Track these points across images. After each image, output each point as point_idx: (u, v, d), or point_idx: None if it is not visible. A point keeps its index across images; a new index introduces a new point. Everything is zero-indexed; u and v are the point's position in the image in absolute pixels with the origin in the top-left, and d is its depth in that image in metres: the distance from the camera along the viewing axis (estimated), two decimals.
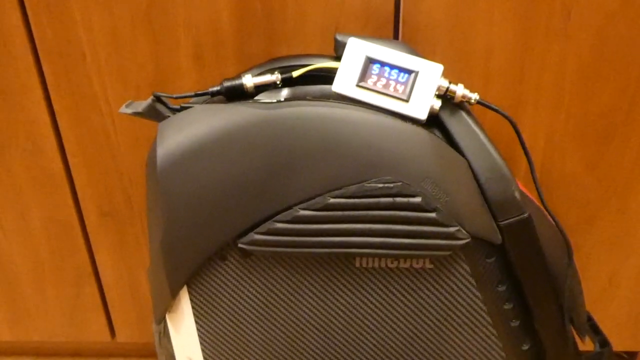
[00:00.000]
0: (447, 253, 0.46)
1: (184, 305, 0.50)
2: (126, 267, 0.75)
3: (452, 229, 0.45)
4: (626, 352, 0.85)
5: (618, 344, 0.79)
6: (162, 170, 0.47)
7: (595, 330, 0.56)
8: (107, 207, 0.72)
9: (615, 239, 0.71)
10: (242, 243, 0.47)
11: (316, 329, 0.50)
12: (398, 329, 0.50)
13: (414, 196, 0.45)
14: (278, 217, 0.46)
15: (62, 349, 0.88)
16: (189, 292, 0.50)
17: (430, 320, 0.50)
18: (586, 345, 0.65)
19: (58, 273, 0.76)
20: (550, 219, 0.52)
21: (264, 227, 0.46)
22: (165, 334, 0.56)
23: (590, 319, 0.58)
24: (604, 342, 0.55)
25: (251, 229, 0.47)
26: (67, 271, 0.76)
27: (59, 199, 0.72)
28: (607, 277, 0.74)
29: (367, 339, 0.51)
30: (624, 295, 0.75)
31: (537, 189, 0.49)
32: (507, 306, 0.50)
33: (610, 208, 0.69)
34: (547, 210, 0.50)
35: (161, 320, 0.52)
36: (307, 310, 0.50)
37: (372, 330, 0.50)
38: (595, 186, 0.68)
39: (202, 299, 0.50)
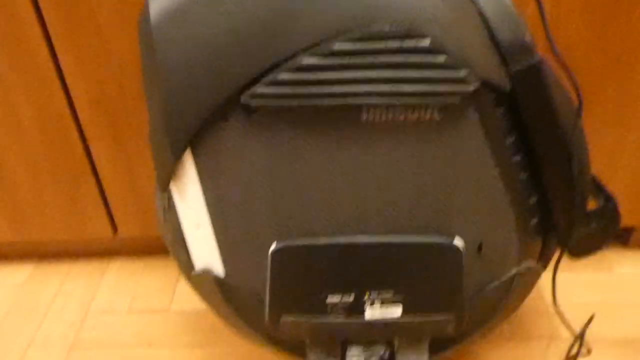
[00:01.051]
0: (457, 99, 0.45)
1: (188, 169, 0.49)
2: (123, 158, 0.74)
3: (462, 73, 0.44)
4: (623, 229, 0.86)
5: None
6: (156, 27, 0.44)
7: (599, 188, 0.57)
8: (98, 95, 0.69)
9: (617, 113, 0.70)
10: (245, 97, 0.45)
11: (323, 186, 0.50)
12: (406, 184, 0.50)
13: (422, 37, 0.43)
14: (281, 67, 0.44)
15: (64, 249, 0.88)
16: (193, 155, 0.49)
17: (438, 174, 0.49)
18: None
19: (54, 169, 0.75)
20: (558, 76, 0.50)
21: (267, 79, 0.44)
22: (170, 207, 0.56)
23: (594, 178, 0.58)
24: (608, 198, 0.55)
25: (253, 82, 0.45)
26: (62, 166, 0.75)
27: (49, 90, 0.69)
28: (608, 153, 0.74)
29: (374, 195, 0.50)
30: (623, 171, 0.75)
31: (546, 33, 0.47)
32: (516, 158, 0.49)
33: (614, 79, 0.68)
34: (557, 57, 0.48)
35: (165, 187, 0.51)
36: (313, 168, 0.49)
37: (380, 186, 0.50)
38: (600, 57, 0.66)
39: (206, 161, 0.49)
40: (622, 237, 0.87)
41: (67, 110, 0.71)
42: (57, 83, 0.69)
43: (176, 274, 0.85)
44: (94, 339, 0.75)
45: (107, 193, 0.77)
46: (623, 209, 0.79)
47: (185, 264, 0.59)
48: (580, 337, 0.64)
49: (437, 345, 0.58)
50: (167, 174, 0.50)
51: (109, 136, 0.72)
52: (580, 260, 0.84)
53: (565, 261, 0.83)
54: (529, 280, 0.56)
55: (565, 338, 0.72)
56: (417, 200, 0.50)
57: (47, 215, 0.79)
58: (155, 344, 0.74)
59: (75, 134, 0.72)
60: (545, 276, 0.81)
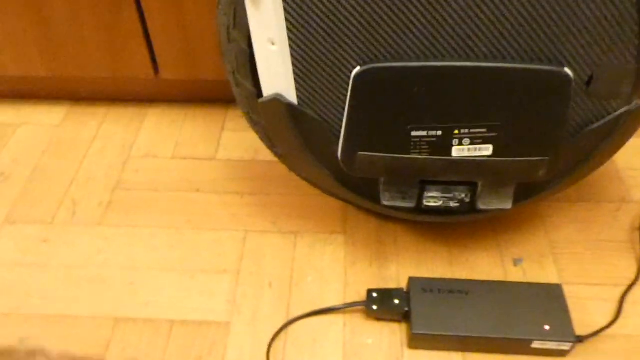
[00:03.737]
0: None
1: None
2: None
3: None
4: None
5: None
6: None
7: None
8: None
9: None
10: None
11: (423, 4, 0.43)
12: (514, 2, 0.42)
13: None
14: None
15: (101, 90, 0.82)
16: None
17: None
18: None
19: None
20: None
21: None
22: (236, 26, 0.49)
23: None
24: None
25: None
26: None
27: None
28: None
29: (477, 14, 0.43)
30: None
31: None
32: None
33: None
34: None
35: None
36: None
37: (486, 3, 0.42)
38: None
39: None
40: None
41: None
42: None
43: (221, 123, 0.79)
44: (138, 180, 0.72)
45: (150, 27, 0.69)
46: None
47: (249, 94, 0.53)
48: None
49: (521, 192, 0.53)
50: None
51: None
52: None
53: None
54: (634, 122, 0.50)
55: (637, 201, 0.68)
56: (525, 20, 0.43)
57: (83, 50, 0.72)
58: (203, 189, 0.71)
59: None
60: None
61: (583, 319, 0.57)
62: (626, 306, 0.58)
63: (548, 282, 0.59)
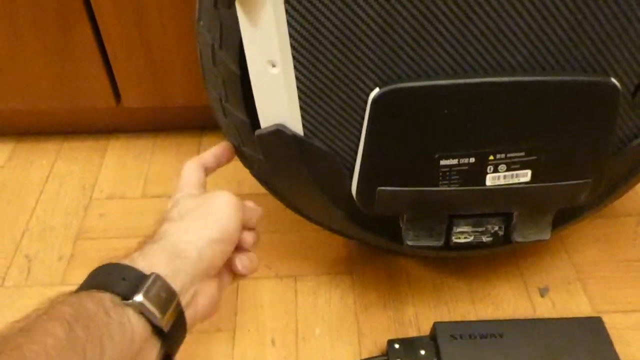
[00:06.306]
0: None
1: None
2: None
3: None
4: None
5: None
6: None
7: None
8: None
9: None
10: None
11: (451, 15, 0.36)
12: (556, 10, 0.36)
13: None
14: None
15: (52, 123, 0.71)
16: None
17: None
18: None
19: (36, 12, 0.57)
20: None
21: None
22: (223, 45, 0.41)
23: None
24: None
25: None
26: (48, 8, 0.57)
27: None
28: None
29: (515, 21, 0.37)
30: None
31: None
32: None
33: None
34: None
35: (231, 3, 0.36)
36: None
37: (525, 10, 0.36)
38: None
39: None
40: None
41: None
42: None
43: (196, 152, 0.70)
44: (104, 227, 0.62)
45: (108, 48, 0.60)
46: None
47: (241, 124, 0.45)
48: None
49: (557, 218, 0.47)
50: None
51: None
52: None
53: None
54: None
55: None
56: (568, 26, 0.37)
57: (28, 76, 0.62)
58: None
59: None
60: None
61: (625, 354, 0.51)
62: None
63: (582, 314, 0.54)
